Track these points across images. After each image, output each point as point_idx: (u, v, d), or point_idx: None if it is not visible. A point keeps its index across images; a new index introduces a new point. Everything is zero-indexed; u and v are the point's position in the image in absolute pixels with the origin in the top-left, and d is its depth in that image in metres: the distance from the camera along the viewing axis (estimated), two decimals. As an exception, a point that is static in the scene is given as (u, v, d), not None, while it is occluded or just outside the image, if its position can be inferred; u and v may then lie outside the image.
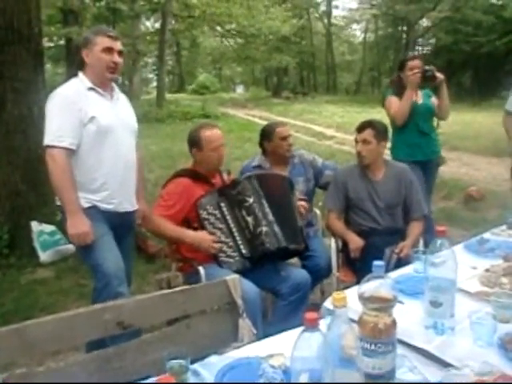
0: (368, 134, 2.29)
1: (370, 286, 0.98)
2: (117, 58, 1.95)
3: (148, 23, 22.18)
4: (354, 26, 30.11)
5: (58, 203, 1.95)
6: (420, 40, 24.56)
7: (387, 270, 1.36)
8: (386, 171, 2.37)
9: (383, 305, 0.95)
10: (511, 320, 1.25)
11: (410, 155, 2.89)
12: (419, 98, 3.00)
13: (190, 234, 2.06)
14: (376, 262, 1.06)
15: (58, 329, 1.26)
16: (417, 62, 2.92)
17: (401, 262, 1.96)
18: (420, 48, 24.79)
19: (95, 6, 14.82)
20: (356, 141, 2.34)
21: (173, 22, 16.68)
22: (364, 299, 0.95)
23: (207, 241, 2.03)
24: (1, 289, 3.07)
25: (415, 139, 2.97)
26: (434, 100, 3.01)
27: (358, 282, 1.92)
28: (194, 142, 2.16)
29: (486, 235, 2.01)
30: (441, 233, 1.23)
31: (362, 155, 2.31)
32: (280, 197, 2.17)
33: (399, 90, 2.94)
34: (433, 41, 24.54)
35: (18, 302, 2.89)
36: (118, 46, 1.97)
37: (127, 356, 1.34)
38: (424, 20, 23.21)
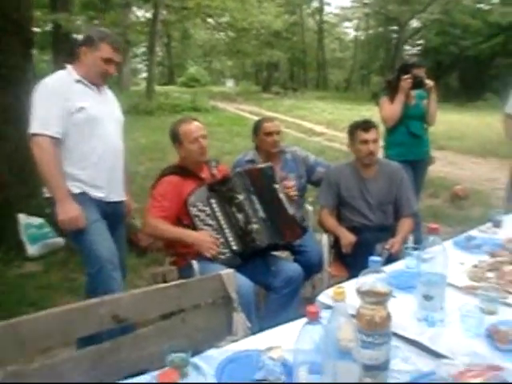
0: (375, 132, 2.33)
1: (367, 281, 1.01)
2: (112, 70, 2.02)
3: (139, 13, 21.84)
4: (346, 23, 30.22)
5: (46, 195, 1.96)
6: (409, 40, 24.79)
7: (379, 266, 1.39)
8: (378, 169, 2.40)
9: (379, 299, 0.98)
10: (497, 312, 1.31)
11: (400, 155, 2.94)
12: (412, 99, 3.05)
13: (191, 234, 2.04)
14: (373, 258, 1.09)
15: (52, 324, 1.25)
16: (422, 71, 2.97)
17: (391, 258, 2.01)
18: (409, 48, 25.05)
19: (85, -9, 14.53)
20: (364, 141, 2.29)
21: (164, 12, 16.46)
22: (362, 293, 0.98)
23: (208, 242, 2.02)
24: (-13, 283, 3.03)
25: (406, 140, 3.04)
26: (425, 102, 3.06)
27: (349, 277, 1.98)
28: (174, 138, 2.17)
29: (474, 232, 2.07)
30: (433, 230, 1.27)
31: (374, 154, 2.33)
32: (266, 190, 2.14)
33: (394, 92, 2.98)
34: (422, 42, 24.80)
35: (4, 296, 2.83)
36: (118, 58, 2.02)
37: (122, 351, 1.34)
38: (414, 21, 23.42)
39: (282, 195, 2.13)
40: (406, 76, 2.92)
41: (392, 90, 3.01)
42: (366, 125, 2.33)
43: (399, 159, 2.69)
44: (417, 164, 3.03)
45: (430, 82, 2.97)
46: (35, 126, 1.87)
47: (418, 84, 2.95)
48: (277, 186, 2.15)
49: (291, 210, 2.11)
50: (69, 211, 1.87)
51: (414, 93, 3.03)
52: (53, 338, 1.28)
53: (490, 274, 1.58)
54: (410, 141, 3.04)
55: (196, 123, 2.18)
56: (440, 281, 1.26)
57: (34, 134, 1.87)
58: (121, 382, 1.11)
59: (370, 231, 2.27)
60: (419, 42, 25.17)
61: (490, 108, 12.59)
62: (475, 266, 1.66)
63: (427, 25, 22.25)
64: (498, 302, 1.33)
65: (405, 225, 2.32)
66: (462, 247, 1.89)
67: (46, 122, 1.86)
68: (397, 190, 2.38)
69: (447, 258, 1.27)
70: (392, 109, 2.97)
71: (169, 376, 0.94)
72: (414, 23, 23.85)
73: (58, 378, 1.24)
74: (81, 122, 1.91)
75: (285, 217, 2.10)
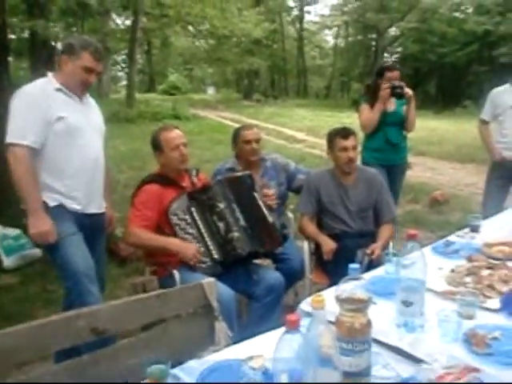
0: (354, 139, 2.35)
1: (346, 288, 1.01)
2: (93, 79, 1.99)
3: (119, 20, 21.70)
4: (326, 31, 30.67)
5: (23, 206, 1.90)
6: (388, 48, 25.37)
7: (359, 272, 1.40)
8: (357, 176, 2.43)
9: (359, 305, 0.98)
10: (475, 316, 1.33)
11: (377, 159, 3.01)
12: (392, 104, 3.11)
13: (174, 242, 2.03)
14: (352, 265, 1.10)
15: (29, 338, 1.21)
16: (395, 74, 3.04)
17: (372, 264, 2.03)
18: (388, 55, 25.64)
19: (62, -2, 14.31)
20: (344, 148, 2.30)
21: (144, 20, 16.41)
22: (341, 301, 0.98)
23: (192, 249, 2.01)
24: (-39, 296, 2.93)
25: (383, 146, 3.10)
26: (404, 108, 3.13)
27: (330, 284, 1.98)
28: (155, 145, 2.17)
29: (452, 238, 2.11)
30: (412, 236, 1.28)
31: (354, 161, 2.35)
32: (246, 198, 2.14)
33: (373, 97, 3.05)
34: (400, 49, 25.42)
35: (-21, 310, 2.76)
36: (99, 67, 1.99)
37: (102, 363, 1.31)
38: (393, 29, 24.00)
39: (261, 203, 2.13)
40: (385, 85, 2.98)
41: (371, 94, 3.08)
42: (345, 132, 2.36)
43: (375, 164, 2.73)
44: (392, 169, 3.09)
45: (409, 91, 3.04)
46: (12, 135, 1.83)
47: (398, 95, 3.01)
48: (256, 194, 2.15)
49: (271, 218, 2.12)
50: (40, 225, 1.84)
51: (393, 99, 3.10)
52: (30, 352, 1.25)
53: (467, 279, 1.60)
54: (386, 147, 3.10)
55: (177, 131, 2.18)
56: (419, 287, 1.27)
57: (11, 144, 1.82)
58: None
59: (351, 237, 2.29)
60: (398, 49, 25.80)
61: (468, 115, 12.92)
62: (453, 271, 1.69)
63: (405, 33, 22.82)
64: (475, 307, 1.35)
65: (385, 230, 2.35)
66: (441, 252, 1.92)
67: (24, 132, 1.82)
68: (377, 195, 2.41)
69: (426, 265, 1.29)
70: (370, 116, 3.03)
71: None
72: (393, 31, 24.47)
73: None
74: (60, 131, 1.88)
75: (265, 225, 2.11)
